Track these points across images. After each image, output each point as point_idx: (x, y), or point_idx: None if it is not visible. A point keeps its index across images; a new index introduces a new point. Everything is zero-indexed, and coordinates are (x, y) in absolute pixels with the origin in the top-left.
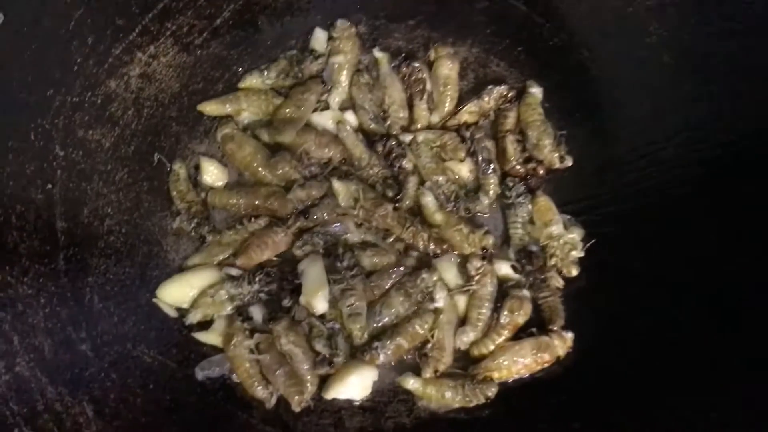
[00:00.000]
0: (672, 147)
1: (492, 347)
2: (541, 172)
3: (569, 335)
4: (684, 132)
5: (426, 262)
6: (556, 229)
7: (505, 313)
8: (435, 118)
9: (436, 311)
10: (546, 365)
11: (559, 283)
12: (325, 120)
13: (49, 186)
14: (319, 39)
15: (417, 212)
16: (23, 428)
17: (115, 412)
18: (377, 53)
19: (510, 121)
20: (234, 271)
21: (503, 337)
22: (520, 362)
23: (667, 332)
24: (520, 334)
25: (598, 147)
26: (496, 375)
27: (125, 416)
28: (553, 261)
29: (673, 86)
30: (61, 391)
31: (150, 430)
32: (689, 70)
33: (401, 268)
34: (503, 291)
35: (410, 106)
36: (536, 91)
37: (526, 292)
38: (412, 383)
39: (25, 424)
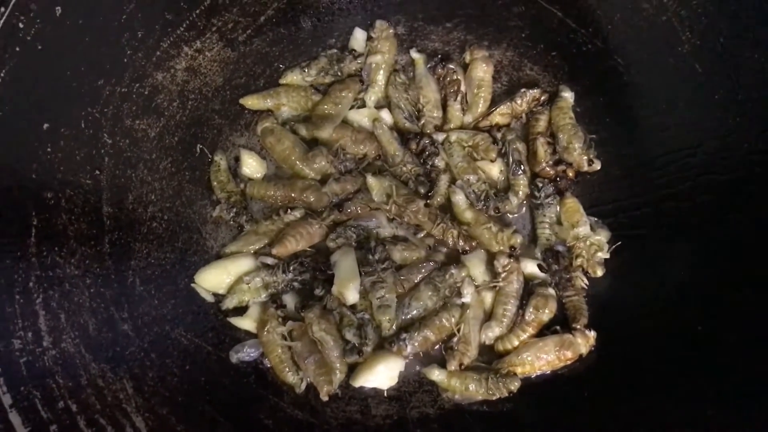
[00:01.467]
0: (701, 154)
1: (516, 343)
2: (571, 174)
3: (592, 334)
4: (713, 139)
5: (455, 258)
6: (583, 230)
7: (531, 310)
8: (468, 119)
9: (463, 306)
10: (568, 362)
11: (584, 282)
12: (361, 117)
13: (97, 172)
14: (358, 39)
15: (447, 209)
16: (68, 401)
17: (153, 389)
18: (414, 54)
19: (541, 123)
20: (269, 260)
21: (528, 334)
22: (544, 358)
23: (689, 334)
24: (544, 331)
25: (627, 151)
26: (519, 370)
27: (162, 394)
28: (578, 261)
29: (703, 95)
30: (103, 368)
31: (186, 409)
32: (720, 80)
33: (431, 263)
34: (529, 289)
35: (444, 107)
36: (568, 96)
37: (551, 291)
38: (437, 375)
39: (70, 397)
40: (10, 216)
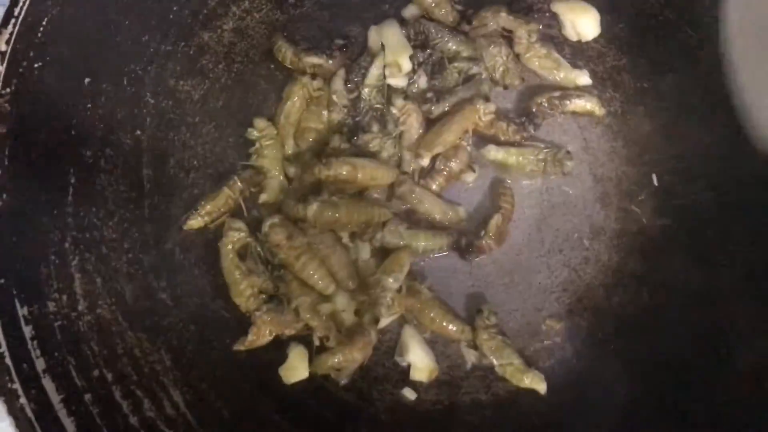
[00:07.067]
0: None
1: None
2: None
3: None
4: None
5: None
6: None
7: None
8: None
9: None
10: None
11: None
12: None
13: (138, 132)
14: None
15: None
16: (103, 369)
17: (191, 362)
18: None
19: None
20: None
21: None
22: None
23: None
24: None
25: (706, 138)
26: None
27: (201, 367)
28: None
29: None
30: (140, 337)
31: (225, 383)
32: None
33: None
34: None
35: None
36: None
37: None
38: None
39: (105, 366)
40: (47, 173)
